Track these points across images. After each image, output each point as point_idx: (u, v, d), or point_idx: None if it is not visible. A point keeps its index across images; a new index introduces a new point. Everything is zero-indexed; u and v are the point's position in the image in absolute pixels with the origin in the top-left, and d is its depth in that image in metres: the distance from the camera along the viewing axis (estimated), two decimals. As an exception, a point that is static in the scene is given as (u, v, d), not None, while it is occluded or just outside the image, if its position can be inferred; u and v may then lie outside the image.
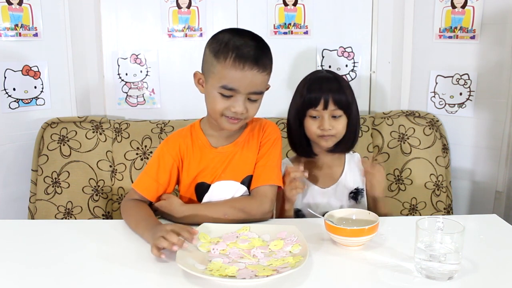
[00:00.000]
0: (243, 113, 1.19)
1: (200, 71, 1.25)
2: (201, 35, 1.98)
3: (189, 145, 1.29)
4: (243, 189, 1.29)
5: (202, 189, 1.29)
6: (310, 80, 1.42)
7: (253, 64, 1.15)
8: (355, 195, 1.45)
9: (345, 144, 1.43)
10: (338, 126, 1.38)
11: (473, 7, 1.82)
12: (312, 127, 1.39)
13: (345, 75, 2.02)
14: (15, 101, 1.86)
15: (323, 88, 1.36)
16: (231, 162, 1.29)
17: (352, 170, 1.47)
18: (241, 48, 1.15)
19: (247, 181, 1.30)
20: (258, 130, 1.33)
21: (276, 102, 1.96)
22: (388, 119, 1.92)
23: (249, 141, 1.31)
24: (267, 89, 1.25)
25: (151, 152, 1.84)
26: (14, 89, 1.85)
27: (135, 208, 1.24)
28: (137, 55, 1.99)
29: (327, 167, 1.47)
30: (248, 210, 1.23)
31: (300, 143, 1.43)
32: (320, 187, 1.44)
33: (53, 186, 1.79)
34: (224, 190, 1.28)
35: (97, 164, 1.83)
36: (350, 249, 1.07)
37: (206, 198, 1.29)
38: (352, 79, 2.02)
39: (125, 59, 1.99)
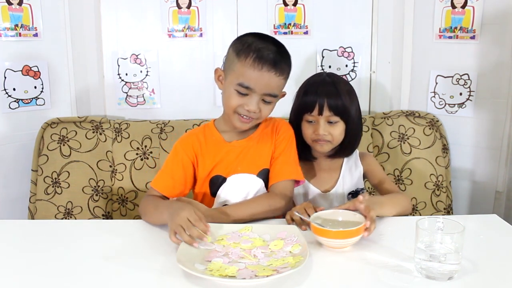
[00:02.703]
0: (256, 113, 1.24)
1: (220, 68, 1.30)
2: (201, 35, 1.99)
3: (202, 141, 1.33)
4: (259, 182, 1.32)
5: (217, 182, 1.31)
6: (308, 83, 1.40)
7: (271, 66, 1.21)
8: (353, 196, 1.43)
9: (344, 150, 1.41)
10: (335, 132, 1.34)
11: (473, 7, 1.82)
12: (307, 131, 1.36)
13: (345, 75, 2.02)
14: (15, 101, 1.86)
15: (319, 92, 1.33)
16: (246, 155, 1.31)
17: (350, 171, 1.45)
18: (262, 50, 1.21)
19: (263, 174, 1.32)
20: (272, 128, 1.36)
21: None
22: (388, 119, 1.92)
23: (263, 136, 1.34)
24: (282, 96, 1.31)
25: (151, 152, 1.84)
26: (14, 89, 1.85)
27: (155, 199, 1.27)
28: (137, 55, 1.99)
29: (325, 171, 1.45)
30: (273, 207, 1.26)
31: (298, 146, 1.40)
32: (321, 190, 1.43)
33: (53, 186, 1.79)
34: (241, 182, 1.31)
35: (97, 164, 1.83)
36: (339, 250, 1.06)
37: (223, 190, 1.31)
38: (352, 79, 2.02)
39: (125, 59, 1.99)
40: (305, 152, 1.42)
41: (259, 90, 1.21)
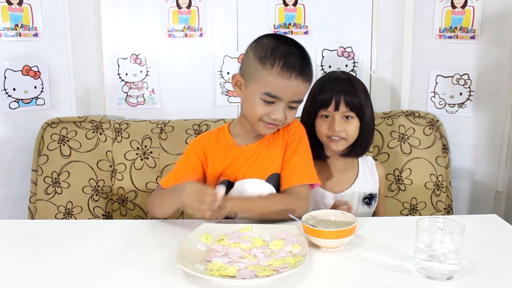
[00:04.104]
0: (282, 120, 1.21)
1: (239, 73, 1.25)
2: (201, 35, 1.98)
3: (214, 144, 1.30)
4: (268, 187, 1.29)
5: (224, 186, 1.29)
6: (323, 80, 1.39)
7: (299, 74, 1.17)
8: (369, 200, 1.43)
9: (358, 149, 1.40)
10: (350, 129, 1.34)
11: (473, 7, 1.82)
12: (322, 127, 1.35)
13: (345, 75, 2.02)
14: (15, 101, 1.86)
15: (335, 88, 1.33)
16: (255, 160, 1.29)
17: (366, 176, 1.44)
18: (288, 57, 1.16)
19: (272, 179, 1.29)
20: (283, 128, 1.32)
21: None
22: (388, 119, 1.92)
23: (274, 139, 1.31)
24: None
25: (151, 152, 1.84)
26: (14, 89, 1.85)
27: (160, 191, 1.28)
28: (137, 55, 1.99)
29: (339, 172, 1.44)
30: (287, 206, 1.20)
31: (311, 145, 1.37)
32: (333, 192, 1.41)
33: (53, 186, 1.79)
34: (249, 188, 1.28)
35: (97, 164, 1.83)
36: (333, 250, 1.06)
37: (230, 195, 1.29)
38: (352, 79, 2.02)
39: (125, 59, 1.99)
40: (318, 151, 1.40)
41: (286, 98, 1.18)
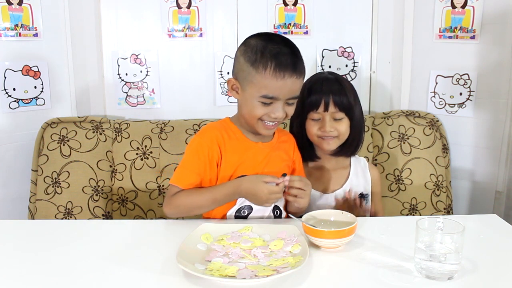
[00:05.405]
0: (282, 117, 1.22)
1: (233, 77, 1.25)
2: (201, 35, 1.99)
3: (225, 136, 1.27)
4: None
5: None
6: (311, 82, 1.39)
7: (292, 71, 1.17)
8: (359, 201, 1.43)
9: (349, 148, 1.40)
10: (340, 128, 1.35)
11: (473, 7, 1.82)
12: (312, 129, 1.36)
13: (345, 75, 2.02)
14: (15, 101, 1.86)
15: (324, 89, 1.34)
16: (271, 158, 1.30)
17: (357, 175, 1.44)
18: (278, 57, 1.17)
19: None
20: (289, 141, 1.37)
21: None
22: (388, 119, 1.92)
23: (280, 144, 1.34)
24: None
25: (151, 152, 1.84)
26: (14, 89, 1.85)
27: (191, 190, 1.24)
28: (137, 55, 1.99)
29: (331, 172, 1.44)
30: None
31: (302, 146, 1.39)
32: (324, 192, 1.42)
33: (53, 186, 1.79)
34: None
35: (97, 164, 1.83)
36: (333, 250, 1.06)
37: None
38: (352, 79, 2.02)
39: (125, 59, 1.99)
40: (308, 151, 1.42)
41: (283, 97, 1.19)
